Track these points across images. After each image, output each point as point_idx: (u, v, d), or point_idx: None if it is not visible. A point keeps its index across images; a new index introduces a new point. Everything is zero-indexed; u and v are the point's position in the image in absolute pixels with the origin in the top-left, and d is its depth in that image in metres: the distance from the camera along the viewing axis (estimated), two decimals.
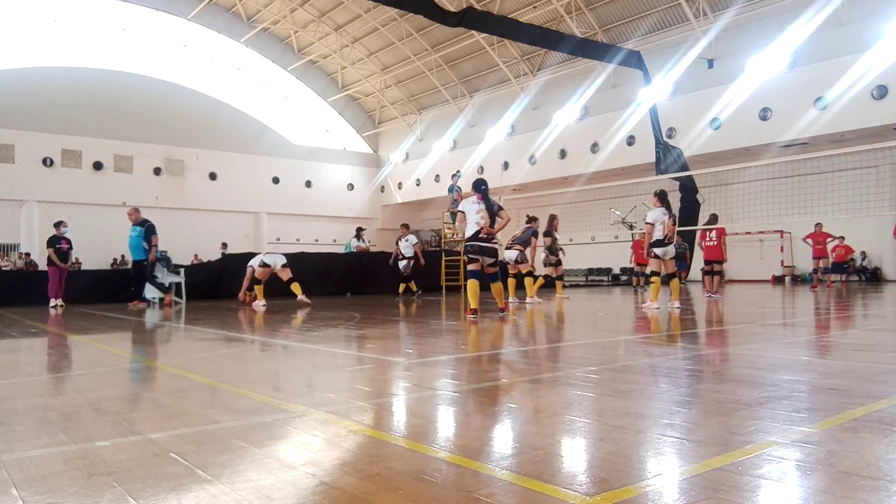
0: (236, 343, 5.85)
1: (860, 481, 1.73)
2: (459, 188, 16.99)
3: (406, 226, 13.96)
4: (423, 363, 4.35)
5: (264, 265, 11.64)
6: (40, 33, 24.68)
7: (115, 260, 23.92)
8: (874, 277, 20.04)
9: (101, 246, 23.12)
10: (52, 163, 24.59)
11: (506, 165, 26.84)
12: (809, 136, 18.02)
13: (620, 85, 22.83)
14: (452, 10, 18.67)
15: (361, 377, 3.89)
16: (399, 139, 32.75)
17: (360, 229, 18.19)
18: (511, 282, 11.66)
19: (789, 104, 18.15)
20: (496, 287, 8.09)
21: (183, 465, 2.00)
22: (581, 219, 12.97)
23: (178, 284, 13.74)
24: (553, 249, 12.57)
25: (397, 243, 14.06)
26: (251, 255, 13.66)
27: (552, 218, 12.66)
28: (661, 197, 9.66)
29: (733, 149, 19.65)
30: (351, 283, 16.16)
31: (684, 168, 18.15)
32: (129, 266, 13.35)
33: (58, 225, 12.50)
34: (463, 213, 7.98)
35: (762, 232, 21.70)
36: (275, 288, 12.06)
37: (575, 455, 2.13)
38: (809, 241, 16.38)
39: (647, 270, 12.16)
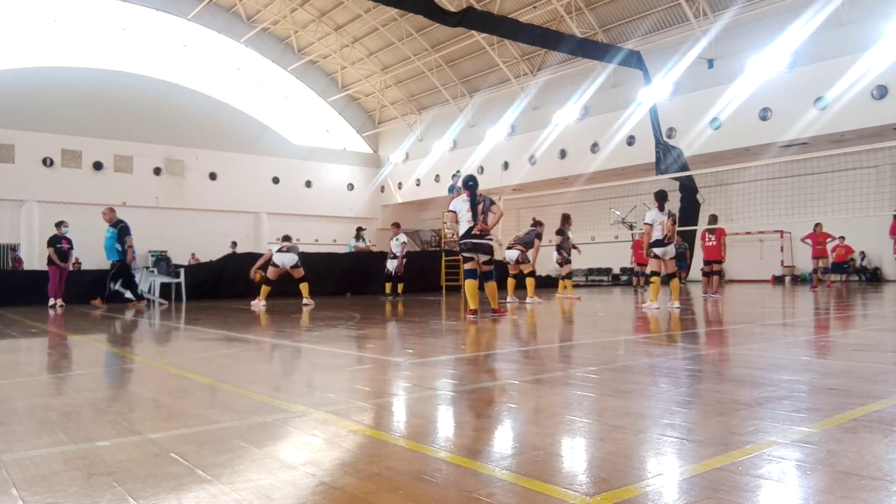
0: (236, 343, 5.85)
1: (860, 481, 1.73)
2: (460, 188, 16.96)
3: (397, 225, 13.84)
4: (423, 363, 4.35)
5: (274, 265, 11.43)
6: (40, 33, 24.67)
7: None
8: (874, 277, 20.04)
9: (101, 246, 23.02)
10: (52, 163, 24.59)
11: (506, 165, 26.84)
12: (809, 136, 18.01)
13: (620, 85, 22.83)
14: (452, 10, 18.67)
15: (361, 377, 3.89)
16: (399, 139, 32.75)
17: (360, 229, 18.20)
18: (511, 282, 11.66)
19: (789, 104, 18.14)
20: (490, 286, 7.94)
21: (183, 465, 2.00)
22: (581, 219, 13.01)
23: (178, 285, 13.74)
24: (566, 247, 12.57)
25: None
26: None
27: (566, 218, 12.65)
28: (658, 197, 9.67)
29: (733, 149, 19.65)
30: (351, 283, 16.17)
31: (684, 168, 18.16)
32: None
33: (59, 225, 12.53)
34: (454, 212, 7.97)
35: (762, 232, 21.69)
36: (275, 287, 11.96)
37: (575, 455, 2.13)
38: (809, 241, 16.38)
39: (647, 270, 12.16)
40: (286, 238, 12.01)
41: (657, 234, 9.44)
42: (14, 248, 21.98)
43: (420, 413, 2.87)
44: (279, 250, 11.53)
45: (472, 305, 7.65)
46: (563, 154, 24.69)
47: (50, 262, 12.18)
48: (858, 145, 14.45)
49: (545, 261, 15.71)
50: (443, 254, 17.26)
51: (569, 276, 12.93)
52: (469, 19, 16.08)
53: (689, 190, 17.50)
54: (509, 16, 21.10)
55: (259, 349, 5.55)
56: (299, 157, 31.10)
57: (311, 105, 31.93)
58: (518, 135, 26.67)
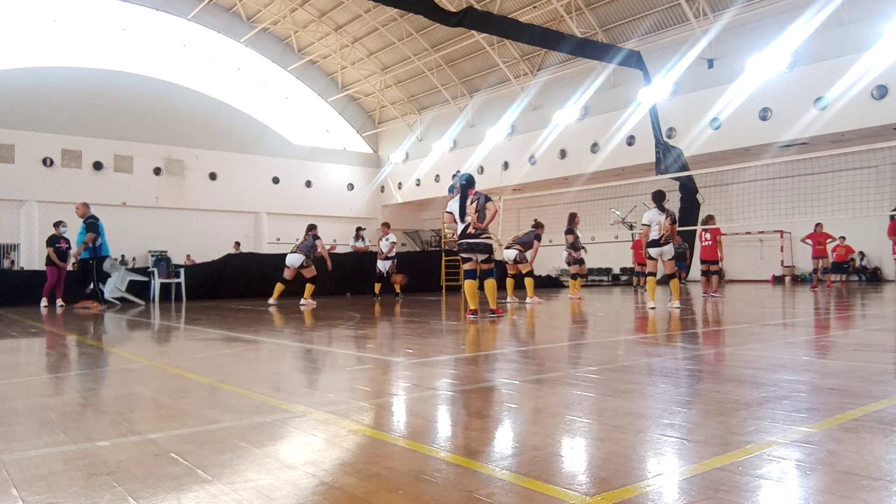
0: (236, 343, 5.85)
1: (860, 481, 1.73)
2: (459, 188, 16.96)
3: (386, 225, 13.84)
4: (423, 363, 4.35)
5: (286, 266, 11.52)
6: (40, 33, 24.68)
7: (114, 260, 23.89)
8: (874, 277, 20.04)
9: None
10: (52, 163, 24.59)
11: (506, 165, 26.84)
12: (809, 136, 18.02)
13: (620, 85, 22.84)
14: (452, 10, 18.67)
15: (361, 377, 3.89)
16: (399, 139, 32.75)
17: (359, 229, 18.18)
18: (510, 282, 11.66)
19: (789, 104, 18.15)
20: (489, 284, 7.85)
21: (183, 465, 2.00)
22: (581, 219, 12.99)
23: (178, 285, 13.74)
24: (576, 247, 12.58)
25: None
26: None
27: (573, 217, 12.65)
28: (655, 197, 9.67)
29: (733, 149, 19.65)
30: (351, 283, 16.16)
31: (684, 168, 18.16)
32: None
33: (57, 224, 12.53)
34: (451, 213, 7.97)
35: (762, 232, 21.70)
36: (289, 287, 11.89)
37: (575, 455, 2.13)
38: (809, 241, 16.38)
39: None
40: (311, 227, 11.91)
41: (654, 235, 9.45)
42: (9, 252, 21.94)
43: (420, 413, 2.87)
44: (290, 252, 11.57)
45: (471, 305, 7.65)
46: (563, 154, 24.70)
47: (49, 262, 12.17)
48: (858, 145, 14.45)
49: (545, 261, 15.71)
50: (443, 254, 17.28)
51: (577, 276, 12.93)
52: (469, 19, 16.07)
53: (689, 190, 17.50)
54: (509, 16, 21.10)
55: (259, 349, 5.54)
56: (299, 157, 31.10)
57: (311, 105, 31.94)
58: (518, 135, 26.67)
